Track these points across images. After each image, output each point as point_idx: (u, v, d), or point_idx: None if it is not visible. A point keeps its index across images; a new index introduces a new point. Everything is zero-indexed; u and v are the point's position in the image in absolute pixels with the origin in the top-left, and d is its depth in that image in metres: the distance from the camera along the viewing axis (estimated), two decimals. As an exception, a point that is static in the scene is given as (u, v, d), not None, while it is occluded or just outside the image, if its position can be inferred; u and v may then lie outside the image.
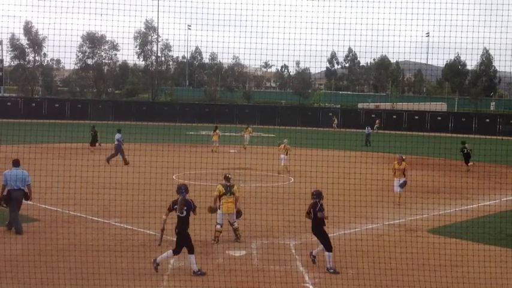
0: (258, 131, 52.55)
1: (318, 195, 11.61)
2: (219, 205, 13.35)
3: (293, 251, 12.91)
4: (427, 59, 58.96)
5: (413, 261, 11.57)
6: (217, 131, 36.02)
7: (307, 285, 10.71)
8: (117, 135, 27.80)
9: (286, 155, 26.46)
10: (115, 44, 79.59)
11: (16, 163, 13.64)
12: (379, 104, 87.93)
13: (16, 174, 13.30)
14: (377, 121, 63.95)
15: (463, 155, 29.40)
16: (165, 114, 64.54)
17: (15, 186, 13.24)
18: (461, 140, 29.99)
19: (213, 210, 13.22)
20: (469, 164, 28.97)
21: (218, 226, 13.26)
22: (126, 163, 26.05)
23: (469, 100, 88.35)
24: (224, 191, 13.34)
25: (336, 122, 67.80)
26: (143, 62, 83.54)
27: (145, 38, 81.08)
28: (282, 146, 26.68)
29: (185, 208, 11.05)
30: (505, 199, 20.41)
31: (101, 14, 15.52)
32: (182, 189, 11.20)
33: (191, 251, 10.98)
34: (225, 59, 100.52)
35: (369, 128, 47.54)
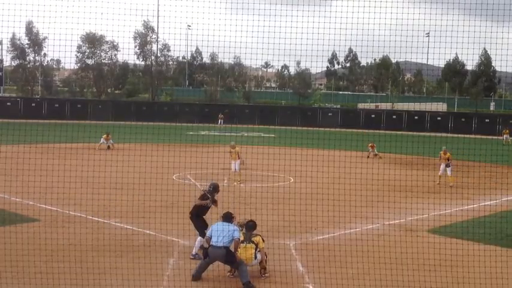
0: (258, 131, 52.58)
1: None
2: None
3: (293, 251, 12.90)
4: (427, 59, 58.86)
5: (413, 261, 11.55)
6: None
7: (307, 285, 10.71)
8: None
9: (239, 159, 22.63)
10: (115, 44, 79.77)
11: (226, 217, 11.14)
12: (379, 104, 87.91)
13: (222, 229, 10.77)
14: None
15: None
16: (165, 114, 64.52)
17: (215, 243, 10.65)
18: None
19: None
20: None
21: None
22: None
23: (469, 100, 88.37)
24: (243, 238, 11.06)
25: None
26: (143, 62, 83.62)
27: (144, 38, 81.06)
28: (233, 150, 22.91)
29: None
30: (505, 199, 20.40)
31: (102, 14, 15.51)
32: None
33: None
34: (226, 59, 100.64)
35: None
